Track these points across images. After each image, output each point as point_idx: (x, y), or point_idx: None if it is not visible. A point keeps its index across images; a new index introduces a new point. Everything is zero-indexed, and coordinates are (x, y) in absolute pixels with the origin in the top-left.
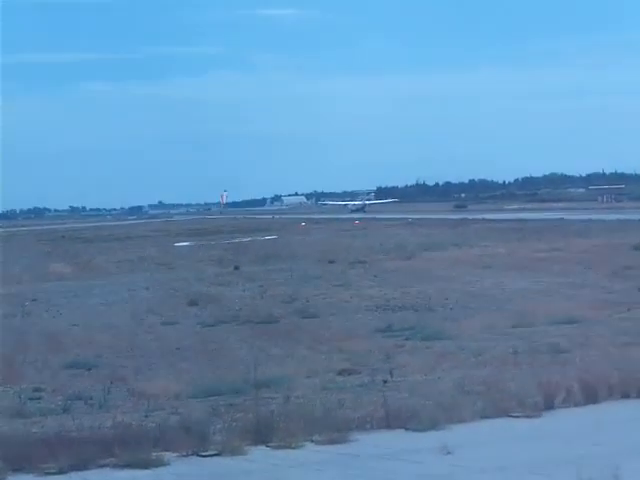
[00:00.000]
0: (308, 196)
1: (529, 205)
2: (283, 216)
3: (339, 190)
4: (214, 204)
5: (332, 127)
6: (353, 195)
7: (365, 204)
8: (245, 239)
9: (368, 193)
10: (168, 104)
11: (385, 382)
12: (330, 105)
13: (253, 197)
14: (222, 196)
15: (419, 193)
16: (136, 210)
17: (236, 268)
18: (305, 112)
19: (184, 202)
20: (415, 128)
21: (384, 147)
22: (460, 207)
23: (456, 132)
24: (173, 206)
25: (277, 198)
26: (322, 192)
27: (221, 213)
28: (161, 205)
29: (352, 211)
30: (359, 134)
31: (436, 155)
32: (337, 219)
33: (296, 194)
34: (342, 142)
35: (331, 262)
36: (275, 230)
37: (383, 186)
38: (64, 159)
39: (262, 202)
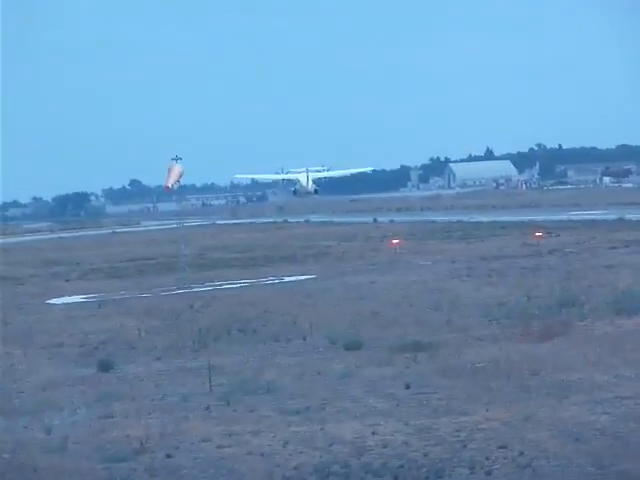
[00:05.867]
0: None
1: None
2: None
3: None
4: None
5: None
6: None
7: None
8: (229, 283)
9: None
10: None
11: None
12: None
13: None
14: (170, 171)
15: None
16: (72, 202)
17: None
18: None
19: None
20: None
21: None
22: None
23: None
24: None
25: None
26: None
27: (172, 198)
28: (136, 188)
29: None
30: None
31: None
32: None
33: (485, 154)
34: None
35: (416, 349)
36: (338, 255)
37: None
38: None
39: (395, 178)
